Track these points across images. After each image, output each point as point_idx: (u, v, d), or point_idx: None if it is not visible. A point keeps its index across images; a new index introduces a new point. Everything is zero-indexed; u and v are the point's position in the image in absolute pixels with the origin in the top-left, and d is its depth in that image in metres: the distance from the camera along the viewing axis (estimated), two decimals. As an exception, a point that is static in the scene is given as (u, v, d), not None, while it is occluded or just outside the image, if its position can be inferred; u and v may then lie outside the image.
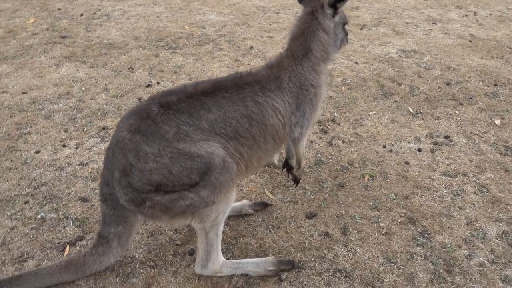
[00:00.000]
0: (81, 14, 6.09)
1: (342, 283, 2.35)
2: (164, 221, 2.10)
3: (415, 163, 3.30)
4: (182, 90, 2.07)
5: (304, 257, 2.49)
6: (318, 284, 2.34)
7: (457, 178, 3.17)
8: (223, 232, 2.61)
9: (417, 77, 4.56)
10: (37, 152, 3.30)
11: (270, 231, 2.67)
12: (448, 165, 3.30)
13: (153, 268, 2.41)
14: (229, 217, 2.73)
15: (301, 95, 2.16)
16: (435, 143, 3.54)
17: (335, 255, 2.52)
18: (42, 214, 2.75)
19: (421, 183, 3.10)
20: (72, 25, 5.67)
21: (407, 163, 3.30)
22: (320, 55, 2.22)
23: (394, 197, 2.97)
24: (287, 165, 2.66)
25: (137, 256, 2.48)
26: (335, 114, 3.87)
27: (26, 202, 2.84)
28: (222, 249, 2.49)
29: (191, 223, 2.11)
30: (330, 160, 3.31)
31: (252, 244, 2.57)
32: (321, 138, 3.56)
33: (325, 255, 2.51)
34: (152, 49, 4.97)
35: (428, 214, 2.83)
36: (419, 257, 2.52)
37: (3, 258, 2.45)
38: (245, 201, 2.79)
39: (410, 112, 3.96)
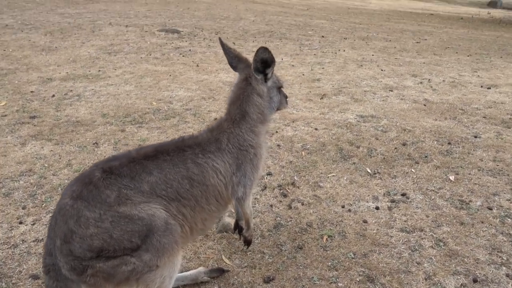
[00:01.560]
0: (53, 95, 6.27)
1: None
2: (109, 290, 2.05)
3: (373, 221, 3.35)
4: (126, 155, 2.13)
5: (260, 323, 2.42)
6: None
7: (414, 234, 3.20)
8: (177, 301, 2.55)
9: (375, 139, 4.76)
10: (-8, 230, 3.23)
11: (226, 298, 2.61)
12: (405, 221, 3.35)
13: None
14: (184, 286, 2.68)
15: (240, 155, 2.25)
16: (393, 201, 3.61)
17: (292, 318, 2.45)
18: (-11, 294, 2.64)
19: (379, 241, 3.12)
20: (42, 106, 5.81)
21: (365, 221, 3.34)
22: (257, 117, 2.35)
23: (353, 255, 2.97)
24: (237, 226, 2.67)
25: (85, 333, 2.36)
26: (295, 177, 3.96)
27: (-27, 283, 2.73)
28: (175, 319, 2.42)
29: (136, 292, 2.06)
30: (289, 223, 3.33)
31: (206, 312, 2.50)
32: (281, 201, 3.60)
33: (282, 319, 2.44)
34: (119, 124, 5.10)
35: (387, 271, 2.82)
36: (377, 316, 2.47)
37: None
38: (200, 268, 2.75)
39: (368, 172, 4.08)
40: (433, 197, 3.67)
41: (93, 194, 1.95)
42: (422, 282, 2.73)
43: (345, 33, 12.88)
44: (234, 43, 10.34)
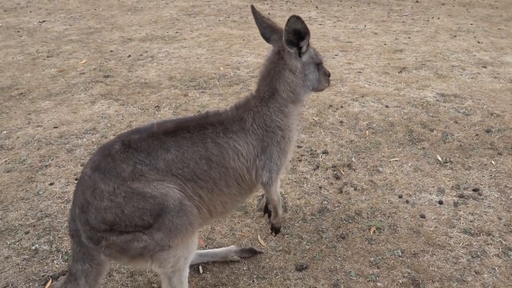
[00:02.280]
0: (129, 56, 6.47)
1: None
2: (125, 262, 2.03)
3: (432, 217, 2.97)
4: (147, 128, 2.04)
5: (284, 314, 2.28)
6: None
7: (479, 237, 2.79)
8: (202, 278, 2.51)
9: (453, 123, 4.21)
10: (51, 184, 3.43)
11: (253, 281, 2.49)
12: (471, 221, 2.93)
13: (126, 310, 2.33)
14: (214, 263, 2.61)
15: (266, 137, 2.04)
16: (461, 196, 3.18)
17: (318, 315, 2.27)
18: (37, 245, 2.81)
19: (435, 240, 2.76)
20: (117, 66, 6.03)
21: (422, 216, 2.98)
22: (288, 96, 2.10)
23: (400, 253, 2.67)
24: (267, 210, 2.50)
25: (113, 296, 2.42)
26: (353, 159, 3.65)
27: (26, 233, 2.92)
28: (197, 296, 2.37)
29: (152, 267, 2.02)
30: (336, 208, 3.08)
31: (230, 294, 2.41)
32: (332, 184, 3.35)
33: (307, 314, 2.28)
34: (183, 88, 5.11)
35: (437, 277, 2.49)
36: (415, 327, 2.20)
37: (-12, 287, 2.50)
38: (232, 247, 2.65)
39: (438, 160, 3.63)
40: (511, 197, 3.16)
41: (110, 167, 1.90)
42: (478, 296, 2.37)
43: (444, -2, 11.58)
44: (317, 7, 9.83)
